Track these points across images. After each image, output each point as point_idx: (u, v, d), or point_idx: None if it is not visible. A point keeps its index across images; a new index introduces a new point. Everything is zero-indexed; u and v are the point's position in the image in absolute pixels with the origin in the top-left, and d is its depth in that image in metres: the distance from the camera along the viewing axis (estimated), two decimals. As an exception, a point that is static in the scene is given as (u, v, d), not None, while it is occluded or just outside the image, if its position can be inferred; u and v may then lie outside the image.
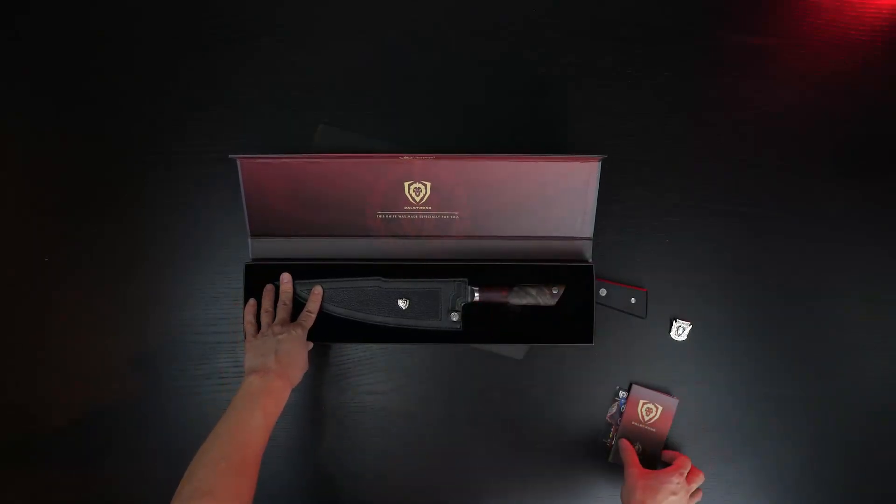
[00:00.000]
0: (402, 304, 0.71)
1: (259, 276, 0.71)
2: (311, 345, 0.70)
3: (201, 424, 0.73)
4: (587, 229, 0.71)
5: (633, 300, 0.73)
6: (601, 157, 0.68)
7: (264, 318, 0.69)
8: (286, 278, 0.70)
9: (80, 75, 0.75)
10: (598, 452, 0.74)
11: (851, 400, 0.74)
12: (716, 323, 0.74)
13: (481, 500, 0.74)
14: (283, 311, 0.69)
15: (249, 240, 0.72)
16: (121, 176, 0.75)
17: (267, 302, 0.70)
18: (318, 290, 0.70)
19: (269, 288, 0.71)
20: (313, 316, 0.69)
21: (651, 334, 0.74)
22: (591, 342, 0.70)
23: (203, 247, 0.74)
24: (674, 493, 0.64)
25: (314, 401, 0.74)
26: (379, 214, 0.71)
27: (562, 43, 0.74)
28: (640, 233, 0.74)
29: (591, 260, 0.72)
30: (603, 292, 0.72)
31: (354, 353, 0.74)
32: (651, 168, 0.74)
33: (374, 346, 0.74)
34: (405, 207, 0.71)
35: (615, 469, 0.74)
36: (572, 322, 0.71)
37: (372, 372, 0.74)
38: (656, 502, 0.63)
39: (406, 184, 0.70)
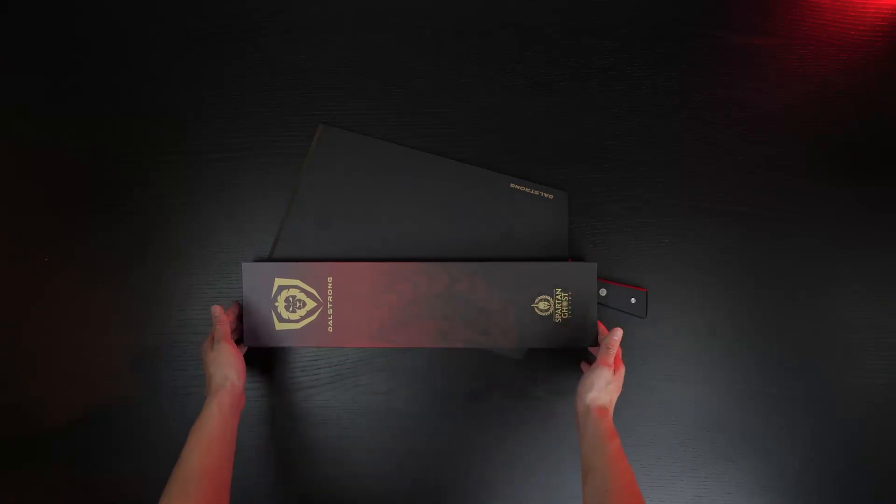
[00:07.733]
0: (401, 304, 0.71)
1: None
2: (244, 348, 0.71)
3: (201, 424, 0.73)
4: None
5: (633, 300, 0.73)
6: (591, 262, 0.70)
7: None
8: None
9: (80, 75, 0.75)
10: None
11: (851, 399, 0.74)
12: (716, 323, 0.74)
13: (481, 501, 0.74)
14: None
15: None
16: (120, 176, 0.74)
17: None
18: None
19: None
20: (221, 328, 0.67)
21: (651, 334, 0.74)
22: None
23: (202, 247, 0.74)
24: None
25: (313, 401, 0.74)
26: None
27: (562, 43, 0.74)
28: (640, 233, 0.74)
29: (590, 260, 0.72)
30: (603, 292, 0.72)
31: (354, 354, 0.74)
32: (651, 168, 0.74)
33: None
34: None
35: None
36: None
37: (371, 372, 0.74)
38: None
39: None
